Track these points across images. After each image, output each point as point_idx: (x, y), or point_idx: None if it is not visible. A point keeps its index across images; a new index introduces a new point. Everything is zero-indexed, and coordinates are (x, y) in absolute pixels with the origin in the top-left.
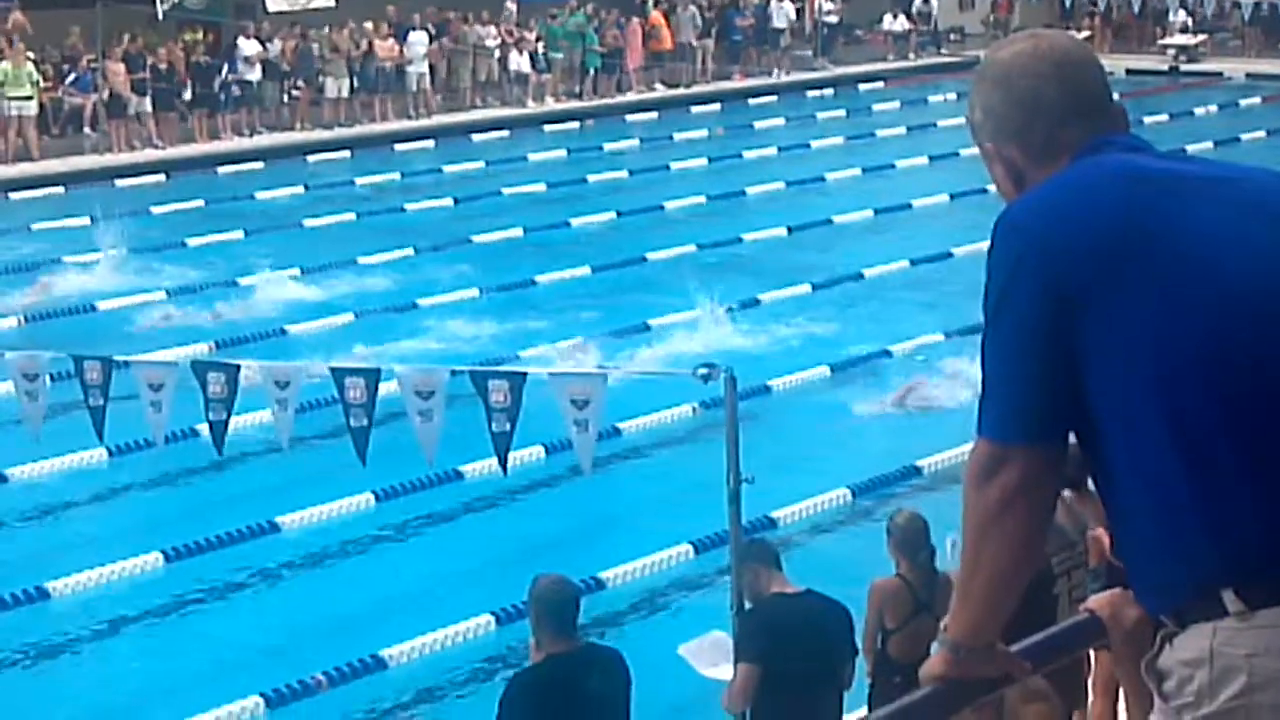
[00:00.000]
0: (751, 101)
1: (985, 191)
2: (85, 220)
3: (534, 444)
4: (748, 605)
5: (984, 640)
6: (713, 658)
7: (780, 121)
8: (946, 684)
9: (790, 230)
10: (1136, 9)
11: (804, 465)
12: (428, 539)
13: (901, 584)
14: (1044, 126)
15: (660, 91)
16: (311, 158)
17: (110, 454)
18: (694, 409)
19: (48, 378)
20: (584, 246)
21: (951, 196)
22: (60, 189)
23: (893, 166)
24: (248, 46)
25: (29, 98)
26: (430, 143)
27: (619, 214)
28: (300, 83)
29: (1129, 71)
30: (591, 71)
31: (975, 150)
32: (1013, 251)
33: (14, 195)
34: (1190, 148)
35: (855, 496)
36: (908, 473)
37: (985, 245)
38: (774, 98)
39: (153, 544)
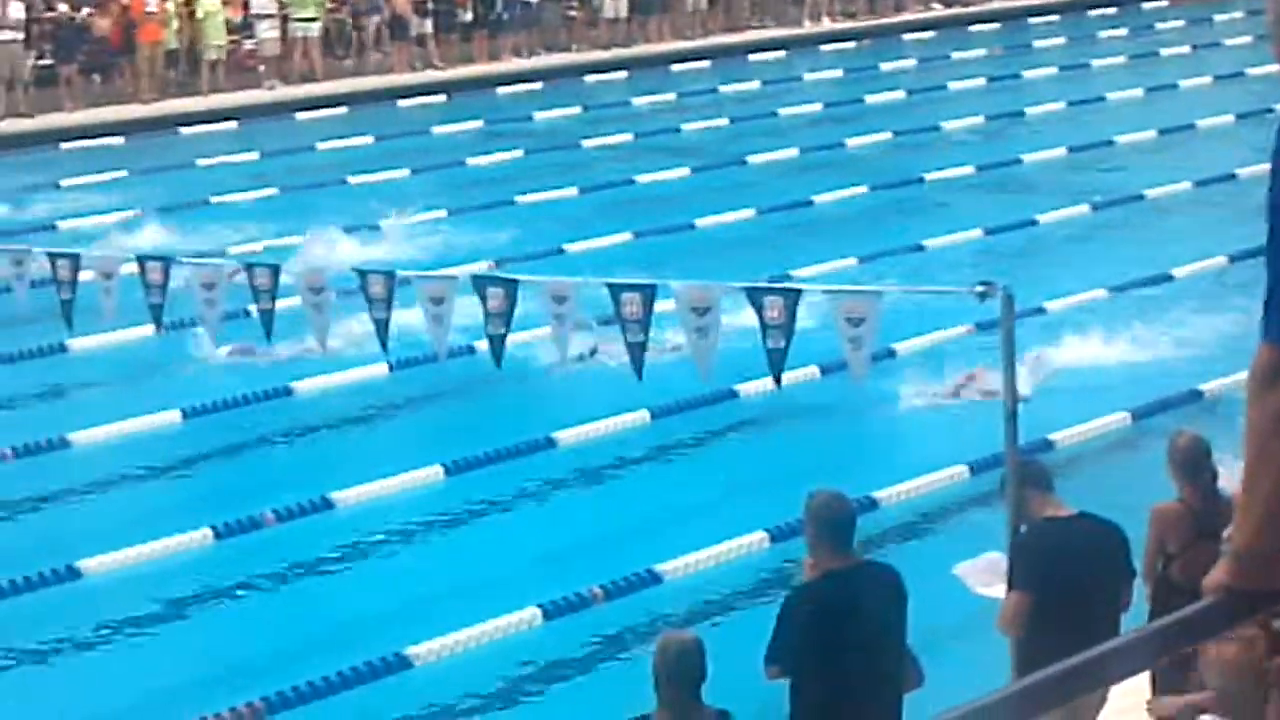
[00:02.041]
0: (1031, 21)
1: (1272, 111)
2: (368, 139)
3: (808, 364)
4: (1021, 529)
5: (1268, 549)
6: (988, 578)
7: (1060, 41)
8: (1230, 593)
9: (1070, 150)
10: None
11: (1081, 387)
12: (702, 456)
13: (1183, 508)
14: None
15: (938, 11)
16: (589, 78)
17: (391, 368)
18: (970, 329)
19: (332, 292)
20: (860, 167)
21: (1238, 117)
22: (344, 109)
23: (1176, 86)
24: None
25: (314, 19)
26: (706, 63)
27: (895, 134)
28: (578, 4)
29: None
30: None
31: (1264, 70)
32: None
33: (300, 115)
34: None
35: (1135, 419)
36: (1190, 396)
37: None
38: (1055, 17)
39: (433, 457)
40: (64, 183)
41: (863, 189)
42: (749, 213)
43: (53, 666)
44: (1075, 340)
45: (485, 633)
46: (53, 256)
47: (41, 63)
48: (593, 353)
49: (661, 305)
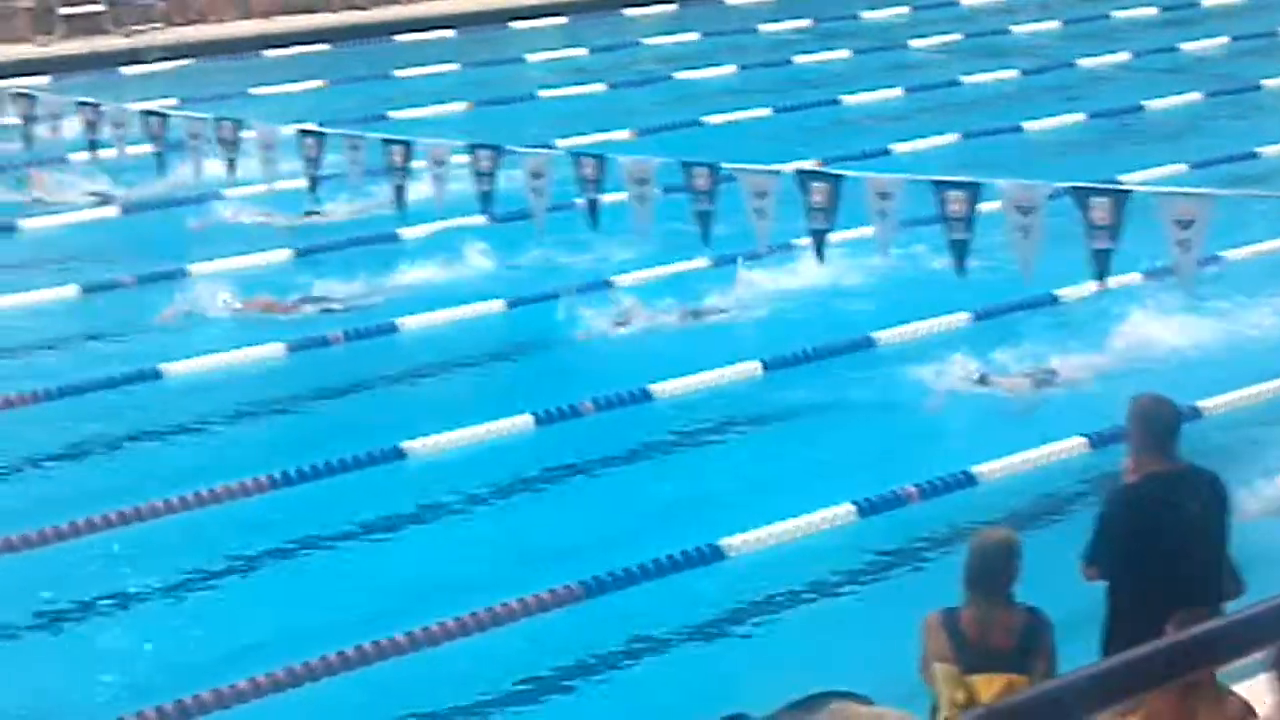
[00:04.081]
0: None
1: None
2: (695, 36)
3: (1133, 269)
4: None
5: None
6: None
7: None
8: None
9: None
10: None
11: None
12: (1017, 357)
13: None
14: None
15: None
16: None
17: (711, 263)
18: None
19: (657, 186)
20: (1194, 72)
21: None
22: (673, 6)
23: None
24: None
25: None
26: None
27: (1233, 39)
28: None
29: None
30: None
31: None
32: None
33: (627, 11)
34: None
35: None
36: None
37: None
38: None
39: (753, 354)
40: (397, 74)
41: (1196, 95)
42: (1078, 117)
43: (374, 544)
44: None
45: (799, 527)
46: (387, 142)
47: None
48: (624, 321)
49: (986, 206)
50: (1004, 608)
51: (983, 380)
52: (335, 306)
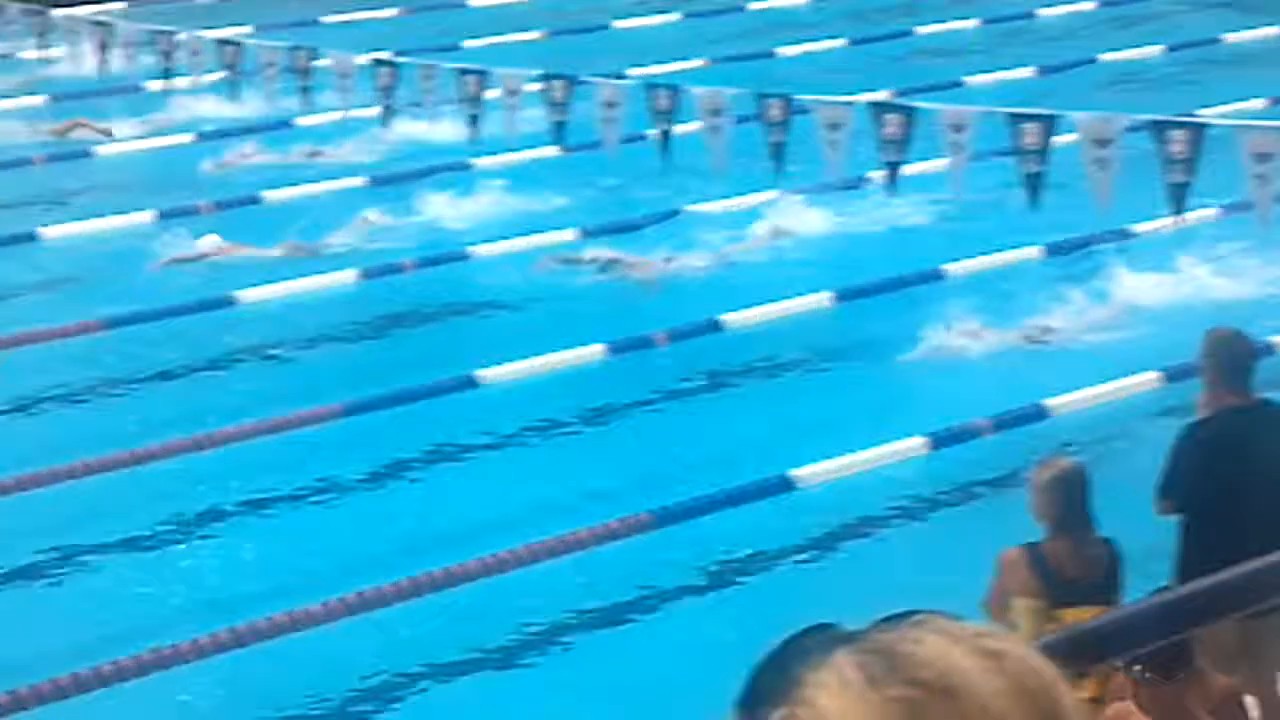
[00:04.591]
0: None
1: None
2: None
3: (1212, 204)
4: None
5: None
6: None
7: None
8: None
9: None
10: None
11: None
12: (1089, 291)
13: None
14: None
15: None
16: None
17: (780, 194)
18: None
19: (730, 117)
20: (1274, 7)
21: None
22: None
23: None
24: None
25: None
26: None
27: None
28: None
29: None
30: None
31: None
32: None
33: None
34: None
35: None
36: None
37: None
38: None
39: (822, 283)
40: (470, 2)
41: (1274, 29)
42: (1156, 49)
43: (445, 471)
44: None
45: (869, 460)
46: (461, 72)
47: None
48: (604, 268)
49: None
50: (1089, 539)
51: (1052, 315)
52: (406, 235)
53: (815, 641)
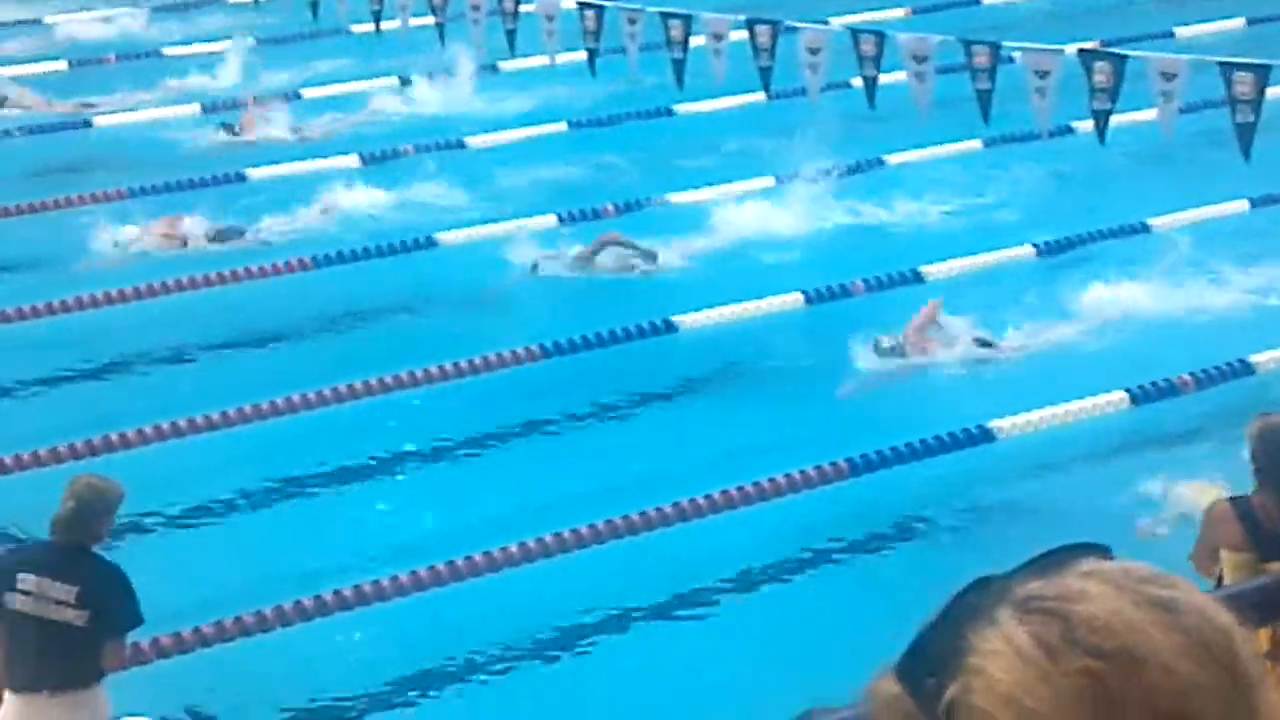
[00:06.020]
0: None
1: None
2: None
3: None
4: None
5: None
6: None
7: None
8: None
9: None
10: None
11: None
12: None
13: None
14: None
15: None
16: None
17: (985, 144)
18: None
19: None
20: None
21: None
22: None
23: None
24: None
25: None
26: None
27: None
28: None
29: None
30: None
31: None
32: None
33: None
34: None
35: None
36: None
37: None
38: None
39: (1025, 236)
40: None
41: None
42: None
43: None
44: None
45: (1071, 412)
46: (665, 16)
47: None
48: (534, 268)
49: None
50: None
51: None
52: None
53: (980, 599)
